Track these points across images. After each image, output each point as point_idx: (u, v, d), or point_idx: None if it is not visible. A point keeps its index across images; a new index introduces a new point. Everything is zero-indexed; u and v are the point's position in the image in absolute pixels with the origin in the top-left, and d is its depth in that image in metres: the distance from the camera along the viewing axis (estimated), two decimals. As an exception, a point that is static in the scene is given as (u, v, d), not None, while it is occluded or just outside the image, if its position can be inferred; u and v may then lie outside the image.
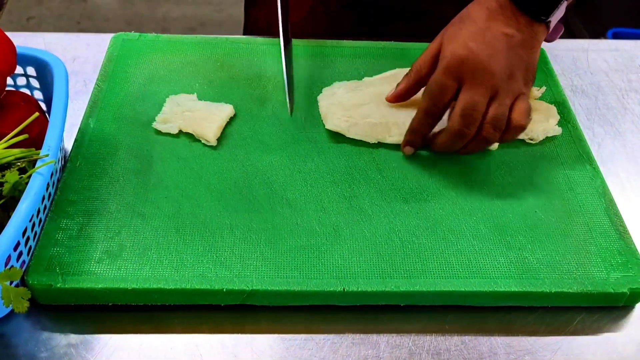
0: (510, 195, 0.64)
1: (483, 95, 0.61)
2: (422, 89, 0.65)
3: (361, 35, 0.82)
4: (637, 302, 0.58)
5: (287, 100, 0.70)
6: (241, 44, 0.79)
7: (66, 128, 0.61)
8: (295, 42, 0.78)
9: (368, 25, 0.87)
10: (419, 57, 0.66)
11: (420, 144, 0.66)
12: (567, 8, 0.65)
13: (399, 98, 0.68)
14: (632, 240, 0.61)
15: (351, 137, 0.67)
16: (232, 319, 0.55)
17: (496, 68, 0.61)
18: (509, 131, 0.63)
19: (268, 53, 0.78)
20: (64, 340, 0.53)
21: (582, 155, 0.68)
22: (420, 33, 0.82)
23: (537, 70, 0.79)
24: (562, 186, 0.65)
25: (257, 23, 0.93)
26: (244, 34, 0.99)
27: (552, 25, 0.64)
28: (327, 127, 0.68)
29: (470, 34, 0.62)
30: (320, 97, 0.72)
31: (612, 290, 0.57)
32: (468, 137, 0.63)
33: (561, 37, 0.75)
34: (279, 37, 0.73)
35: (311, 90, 0.74)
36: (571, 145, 0.69)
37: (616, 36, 1.82)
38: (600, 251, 0.59)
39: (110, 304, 0.55)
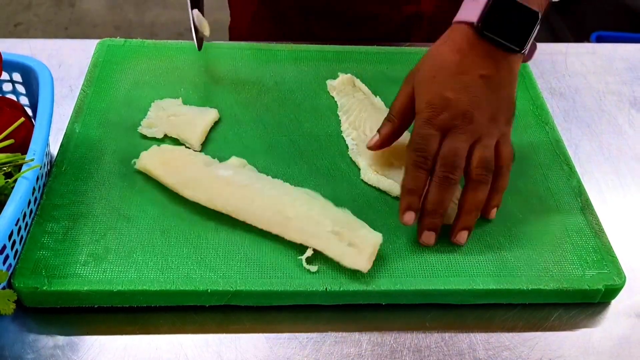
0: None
1: (465, 141, 0.58)
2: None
3: (305, 40, 0.82)
4: (612, 299, 0.60)
5: (195, 40, 0.73)
6: (225, 49, 0.80)
7: (52, 133, 0.62)
8: (248, 44, 0.80)
9: (312, 29, 0.88)
10: (395, 101, 0.63)
11: (419, 205, 0.59)
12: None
13: (385, 144, 0.64)
14: (607, 239, 0.62)
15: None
16: (217, 319, 0.56)
17: (477, 114, 0.58)
18: (499, 177, 0.60)
19: (252, 58, 0.79)
20: (50, 342, 0.54)
21: (559, 156, 0.70)
22: (367, 37, 0.84)
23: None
24: (539, 186, 0.67)
25: (241, 31, 0.94)
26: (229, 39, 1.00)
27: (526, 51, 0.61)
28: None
29: (445, 82, 0.59)
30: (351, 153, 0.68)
31: (588, 287, 0.58)
32: (453, 183, 0.58)
33: (543, 41, 0.76)
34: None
35: (296, 94, 0.75)
36: (549, 147, 0.71)
37: (600, 39, 1.84)
38: (576, 249, 0.61)
39: (95, 306, 0.56)
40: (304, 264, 0.57)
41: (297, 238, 0.58)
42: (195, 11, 0.73)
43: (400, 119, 0.63)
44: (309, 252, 0.58)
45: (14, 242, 0.54)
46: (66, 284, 0.54)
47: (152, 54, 0.78)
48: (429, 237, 0.59)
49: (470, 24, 0.59)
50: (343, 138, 0.70)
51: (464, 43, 0.59)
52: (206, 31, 0.74)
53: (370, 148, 0.65)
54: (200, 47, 0.75)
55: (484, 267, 0.59)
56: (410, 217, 0.59)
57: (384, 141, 0.64)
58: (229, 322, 0.56)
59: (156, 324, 0.56)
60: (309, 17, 0.87)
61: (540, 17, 0.59)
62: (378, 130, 0.64)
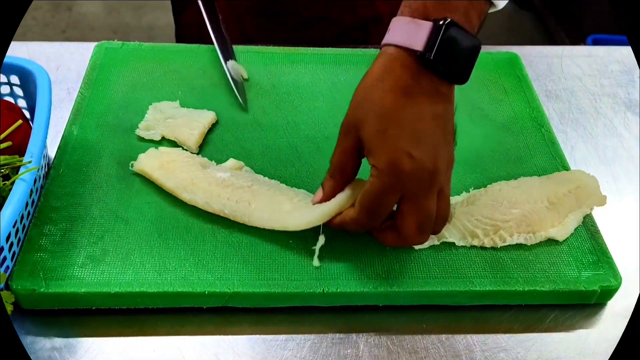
0: (485, 197, 0.65)
1: (433, 199, 0.53)
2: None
3: (266, 42, 0.83)
4: (608, 300, 0.60)
5: (238, 95, 0.73)
6: (223, 51, 0.80)
7: (50, 135, 0.62)
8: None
9: (264, 31, 0.88)
10: (335, 155, 0.56)
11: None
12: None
13: (328, 200, 0.58)
14: (603, 240, 0.62)
15: None
16: (214, 321, 0.56)
17: (439, 166, 0.52)
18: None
19: (249, 60, 0.79)
20: (47, 344, 0.54)
21: (555, 158, 0.70)
22: (319, 38, 0.84)
23: (512, 76, 0.81)
24: (535, 188, 0.67)
25: (189, 27, 0.93)
26: (176, 41, 1.00)
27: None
28: None
29: (401, 136, 0.51)
30: None
31: (584, 288, 0.58)
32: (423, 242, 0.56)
33: (539, 44, 0.77)
34: (216, 42, 0.76)
35: (293, 97, 0.75)
36: (545, 149, 0.71)
37: (596, 42, 1.85)
38: (572, 250, 0.61)
39: (93, 308, 0.56)
40: (316, 252, 0.58)
41: (295, 226, 0.58)
42: (230, 62, 0.72)
43: (341, 176, 0.57)
44: (321, 240, 0.58)
45: (12, 244, 0.54)
46: (64, 286, 0.55)
47: (149, 57, 0.78)
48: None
49: (413, 51, 0.51)
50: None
51: (407, 77, 0.51)
52: (245, 75, 0.74)
53: (314, 203, 0.59)
54: (245, 100, 0.73)
55: (480, 269, 0.59)
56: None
57: (328, 198, 0.58)
58: (227, 324, 0.56)
59: (154, 326, 0.56)
60: (262, 18, 0.87)
61: (479, 46, 0.53)
62: (322, 186, 0.58)
